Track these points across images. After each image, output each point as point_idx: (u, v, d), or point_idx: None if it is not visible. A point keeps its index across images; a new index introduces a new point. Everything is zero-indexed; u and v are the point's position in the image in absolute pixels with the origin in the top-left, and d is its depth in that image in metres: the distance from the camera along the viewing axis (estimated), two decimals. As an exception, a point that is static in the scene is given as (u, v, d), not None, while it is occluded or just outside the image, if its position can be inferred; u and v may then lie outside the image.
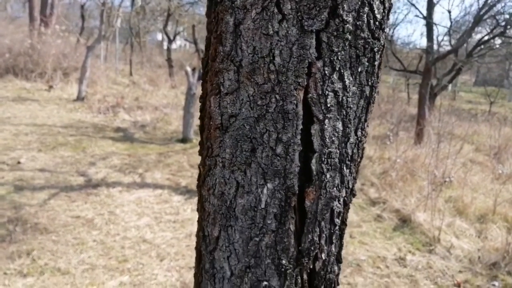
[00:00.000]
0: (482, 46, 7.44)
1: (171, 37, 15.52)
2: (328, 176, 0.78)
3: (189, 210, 4.80)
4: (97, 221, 4.32)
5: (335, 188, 0.80)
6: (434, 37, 7.97)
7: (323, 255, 0.82)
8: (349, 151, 0.80)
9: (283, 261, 0.79)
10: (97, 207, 4.65)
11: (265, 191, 0.76)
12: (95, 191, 5.06)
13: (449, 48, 8.30)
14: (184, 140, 7.61)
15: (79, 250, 3.72)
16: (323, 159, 0.76)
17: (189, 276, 3.45)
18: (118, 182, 5.43)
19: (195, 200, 5.08)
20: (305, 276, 0.80)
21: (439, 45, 9.10)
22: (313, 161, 0.75)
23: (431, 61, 6.83)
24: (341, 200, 0.82)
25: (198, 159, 6.21)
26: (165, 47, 19.64)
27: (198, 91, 8.66)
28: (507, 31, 6.75)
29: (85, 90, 10.59)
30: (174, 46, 19.88)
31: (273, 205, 0.76)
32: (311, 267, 0.81)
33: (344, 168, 0.80)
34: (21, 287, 3.13)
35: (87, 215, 4.43)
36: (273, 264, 0.78)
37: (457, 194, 5.82)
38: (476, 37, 9.01)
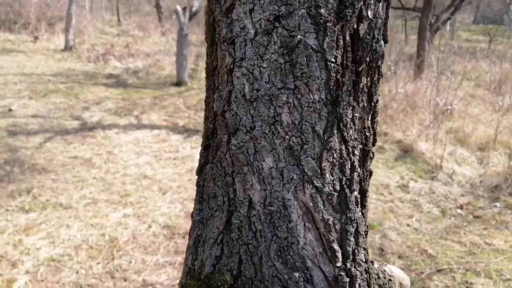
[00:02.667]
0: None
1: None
2: None
3: (188, 148, 4.73)
4: (96, 160, 4.24)
5: None
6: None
7: (369, 13, 0.67)
8: None
9: (322, 10, 0.65)
10: (94, 148, 4.56)
11: None
12: (91, 134, 4.96)
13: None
14: (178, 83, 7.41)
15: (79, 187, 3.67)
16: None
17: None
18: (114, 125, 5.31)
19: (194, 138, 5.00)
20: (347, 37, 0.67)
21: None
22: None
23: (432, -9, 6.54)
24: None
25: (194, 101, 6.12)
26: (152, -5, 18.80)
27: (190, 31, 8.32)
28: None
29: (72, 39, 10.18)
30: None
31: None
32: (355, 27, 0.68)
33: None
34: (24, 221, 3.09)
35: (84, 155, 4.35)
36: (309, 14, 0.65)
37: (458, 125, 5.77)
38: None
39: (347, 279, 0.68)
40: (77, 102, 6.22)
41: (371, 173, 0.79)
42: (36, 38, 11.04)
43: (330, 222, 0.67)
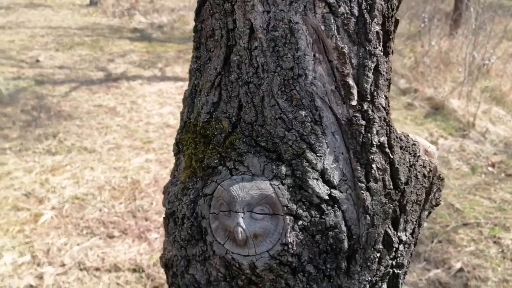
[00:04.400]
0: None
1: None
2: None
3: (211, 100, 4.68)
4: (120, 109, 4.26)
5: None
6: None
7: None
8: None
9: None
10: (118, 98, 4.57)
11: None
12: (115, 84, 4.96)
13: None
14: (203, 38, 7.27)
15: (103, 133, 3.70)
16: None
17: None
18: (138, 76, 5.30)
19: (217, 91, 4.93)
20: None
21: None
22: None
23: None
24: None
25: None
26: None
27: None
28: None
29: (97, -6, 10.10)
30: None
31: None
32: None
33: None
34: (50, 162, 3.16)
35: (109, 104, 4.37)
36: None
37: (494, 84, 5.46)
38: None
39: (363, 122, 0.58)
40: (102, 54, 6.22)
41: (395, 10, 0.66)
42: (62, -7, 11.00)
43: (345, 52, 0.56)
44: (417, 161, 0.64)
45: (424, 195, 0.65)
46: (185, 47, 6.89)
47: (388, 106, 0.63)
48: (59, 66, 5.56)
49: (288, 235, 0.55)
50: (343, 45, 0.56)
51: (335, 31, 0.56)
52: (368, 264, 0.60)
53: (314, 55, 0.56)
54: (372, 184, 0.59)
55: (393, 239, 0.62)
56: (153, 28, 8.20)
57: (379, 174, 0.60)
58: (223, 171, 0.59)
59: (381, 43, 0.59)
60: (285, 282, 0.58)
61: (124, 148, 3.45)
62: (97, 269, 2.19)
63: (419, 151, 0.65)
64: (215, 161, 0.60)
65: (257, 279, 0.57)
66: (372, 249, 0.60)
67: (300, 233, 0.56)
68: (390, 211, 0.61)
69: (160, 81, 5.19)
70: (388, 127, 0.60)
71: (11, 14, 8.86)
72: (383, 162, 0.60)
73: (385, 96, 0.60)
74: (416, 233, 0.68)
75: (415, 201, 0.64)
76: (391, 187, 0.61)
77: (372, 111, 0.58)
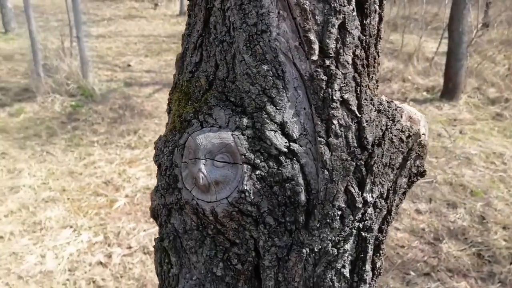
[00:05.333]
0: None
1: None
2: None
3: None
4: (195, 110, 4.50)
5: None
6: None
7: None
8: None
9: None
10: (195, 100, 4.83)
11: None
12: (194, 87, 5.26)
13: None
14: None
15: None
16: None
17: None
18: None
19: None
20: None
21: None
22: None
23: None
24: None
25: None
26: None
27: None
28: None
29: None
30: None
31: None
32: None
33: None
34: (129, 155, 3.45)
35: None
36: None
37: None
38: None
39: (324, 77, 0.57)
40: (185, 60, 6.63)
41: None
42: (156, 5, 11.96)
43: (307, 8, 0.56)
44: (394, 125, 0.62)
45: (400, 160, 0.63)
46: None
47: (367, 67, 0.60)
48: (146, 70, 6.05)
49: (245, 183, 0.57)
50: (304, 1, 0.56)
51: None
52: (328, 221, 0.61)
53: (279, 12, 0.57)
54: (332, 139, 0.59)
55: (357, 198, 0.61)
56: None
57: (340, 131, 0.59)
58: (195, 124, 0.63)
59: (352, 2, 0.58)
60: (249, 233, 0.61)
61: (195, 146, 3.64)
62: (159, 254, 2.34)
63: (401, 116, 0.62)
64: (190, 115, 0.65)
65: (222, 228, 0.60)
66: (331, 205, 0.60)
67: (258, 182, 0.58)
68: (352, 168, 0.60)
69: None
70: (359, 87, 0.59)
71: (112, 24, 9.85)
72: (348, 119, 0.60)
73: (356, 54, 0.59)
74: (391, 200, 0.65)
75: (387, 164, 0.62)
76: (355, 145, 0.60)
77: (336, 67, 0.57)
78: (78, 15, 4.69)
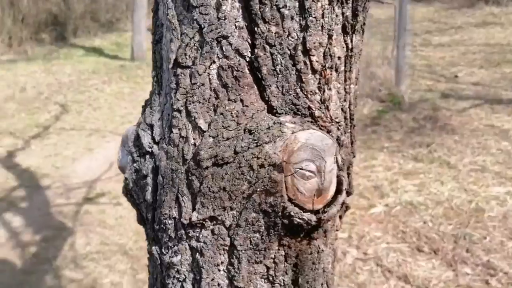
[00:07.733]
0: None
1: None
2: None
3: None
4: (512, 133, 3.76)
5: None
6: None
7: None
8: None
9: None
10: None
11: None
12: None
13: None
14: None
15: (476, 153, 3.45)
16: None
17: None
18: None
19: None
20: None
21: None
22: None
23: None
24: None
25: None
26: None
27: None
28: None
29: None
30: None
31: None
32: None
33: None
34: (409, 167, 3.35)
35: (503, 126, 3.95)
36: None
37: None
38: None
39: (174, 86, 0.57)
40: (529, 73, 5.54)
41: None
42: None
43: None
44: (252, 148, 0.53)
45: (244, 188, 0.53)
46: None
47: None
48: (474, 83, 5.50)
49: (127, 172, 0.67)
50: None
51: None
52: (162, 226, 0.61)
53: None
54: (170, 148, 0.58)
55: (183, 213, 0.57)
56: None
57: (179, 141, 0.57)
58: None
59: None
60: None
61: (488, 172, 3.10)
62: (390, 271, 2.24)
63: (274, 142, 0.42)
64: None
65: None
66: (162, 211, 0.61)
67: (134, 173, 0.65)
68: (178, 180, 0.57)
69: None
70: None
71: (459, 33, 9.37)
72: (189, 131, 0.57)
73: (227, 70, 0.45)
74: (234, 231, 0.55)
75: (223, 188, 0.55)
76: (189, 158, 0.57)
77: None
78: (402, 25, 4.84)
